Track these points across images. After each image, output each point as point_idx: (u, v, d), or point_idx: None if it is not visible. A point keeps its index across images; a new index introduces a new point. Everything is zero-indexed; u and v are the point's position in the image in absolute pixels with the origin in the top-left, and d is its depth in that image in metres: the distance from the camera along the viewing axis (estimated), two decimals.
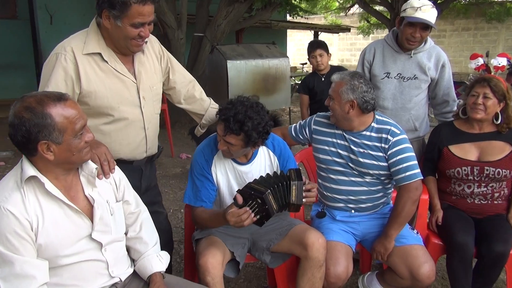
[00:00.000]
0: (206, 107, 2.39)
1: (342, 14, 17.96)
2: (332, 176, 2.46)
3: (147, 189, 2.23)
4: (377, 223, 2.47)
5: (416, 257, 2.23)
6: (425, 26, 2.67)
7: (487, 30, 16.12)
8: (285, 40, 14.56)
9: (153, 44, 2.19)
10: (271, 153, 2.34)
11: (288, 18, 13.97)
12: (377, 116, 2.42)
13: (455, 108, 2.90)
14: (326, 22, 19.58)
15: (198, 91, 2.39)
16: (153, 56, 2.17)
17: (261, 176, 1.99)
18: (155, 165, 2.33)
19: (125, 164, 2.07)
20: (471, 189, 2.54)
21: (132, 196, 1.83)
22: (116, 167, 1.81)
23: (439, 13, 11.13)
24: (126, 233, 1.81)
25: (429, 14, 2.63)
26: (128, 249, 1.84)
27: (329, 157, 2.45)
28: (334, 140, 2.44)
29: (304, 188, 1.95)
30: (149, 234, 1.86)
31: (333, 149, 2.44)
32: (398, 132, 2.36)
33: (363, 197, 2.44)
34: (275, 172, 2.07)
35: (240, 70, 6.31)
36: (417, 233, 2.43)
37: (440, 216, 2.55)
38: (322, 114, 2.58)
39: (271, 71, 6.55)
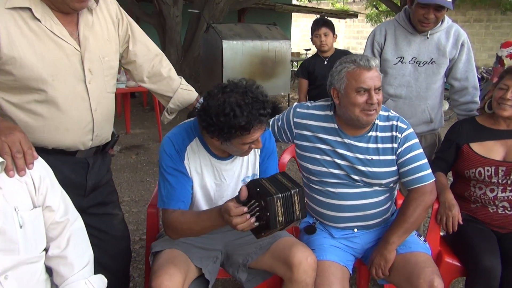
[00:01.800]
0: (175, 87, 1.93)
1: (349, 0, 17.33)
2: (331, 189, 1.97)
3: (95, 187, 1.78)
4: (379, 232, 2.03)
5: (415, 263, 1.80)
6: (439, 6, 2.25)
7: (500, 22, 15.48)
8: (290, 24, 13.99)
9: (108, 5, 1.72)
10: None
11: (294, 1, 13.39)
12: None
13: (477, 98, 2.49)
14: (333, 8, 18.95)
15: (166, 68, 1.92)
16: (108, 19, 1.71)
17: (277, 176, 1.54)
18: (108, 157, 1.88)
19: (65, 156, 1.63)
20: (495, 193, 2.11)
21: (59, 199, 1.39)
22: (40, 161, 1.36)
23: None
24: (47, 250, 1.37)
25: None
26: (50, 271, 1.40)
27: (324, 169, 1.96)
28: (329, 147, 1.95)
29: None
30: (78, 252, 1.41)
31: (327, 158, 1.96)
32: (405, 126, 1.94)
33: (371, 211, 1.97)
34: (277, 177, 1.57)
35: (237, 51, 5.82)
36: (425, 241, 1.99)
37: (458, 212, 2.07)
38: (301, 112, 2.02)
39: (270, 54, 6.06)
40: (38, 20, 1.49)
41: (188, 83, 2.04)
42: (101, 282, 1.44)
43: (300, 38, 19.96)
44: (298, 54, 14.72)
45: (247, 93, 1.58)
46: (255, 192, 1.43)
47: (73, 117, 1.58)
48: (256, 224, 1.44)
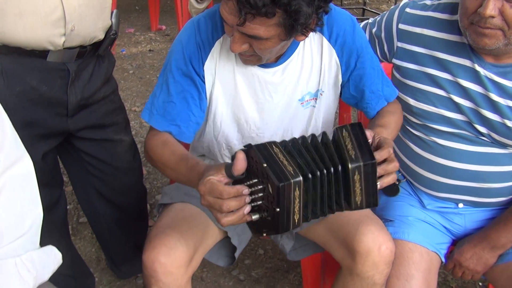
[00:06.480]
0: None
1: None
2: (438, 140, 1.26)
3: (85, 104, 1.27)
4: (494, 212, 1.32)
5: None
6: None
7: None
8: None
9: None
10: (326, 42, 1.17)
11: None
12: None
13: None
14: None
15: None
16: None
17: (300, 139, 0.94)
18: (109, 61, 1.32)
19: (26, 58, 1.11)
20: None
21: None
22: None
23: None
24: None
25: None
26: None
27: (433, 109, 1.23)
28: (448, 75, 1.20)
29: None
30: (13, 213, 0.90)
31: (441, 92, 1.22)
32: None
33: (495, 184, 1.25)
34: (314, 138, 0.96)
35: None
36: None
37: None
38: (413, 14, 1.25)
39: None
40: None
41: None
42: (47, 260, 0.94)
43: None
44: None
45: None
46: (259, 166, 0.84)
47: None
48: (255, 217, 0.87)
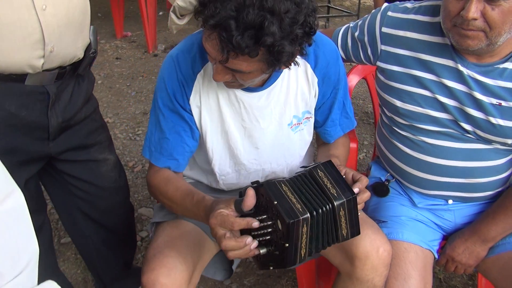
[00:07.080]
0: None
1: None
2: (426, 140, 1.28)
3: (66, 126, 1.22)
4: (483, 206, 1.36)
5: None
6: None
7: None
8: None
9: None
10: (310, 70, 1.20)
11: None
12: None
13: None
14: None
15: None
16: None
17: (311, 173, 0.99)
18: (88, 80, 1.28)
19: (7, 83, 1.06)
20: None
21: None
22: None
23: None
24: None
25: None
26: None
27: (419, 109, 1.26)
28: (432, 76, 1.22)
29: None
30: (9, 250, 0.86)
31: (426, 93, 1.24)
32: None
33: (483, 179, 1.28)
34: (311, 173, 1.00)
35: None
36: None
37: None
38: (395, 17, 1.28)
39: None
40: None
41: None
42: None
43: None
44: None
45: None
46: (269, 203, 0.89)
47: (2, 18, 0.96)
48: (263, 251, 0.92)
